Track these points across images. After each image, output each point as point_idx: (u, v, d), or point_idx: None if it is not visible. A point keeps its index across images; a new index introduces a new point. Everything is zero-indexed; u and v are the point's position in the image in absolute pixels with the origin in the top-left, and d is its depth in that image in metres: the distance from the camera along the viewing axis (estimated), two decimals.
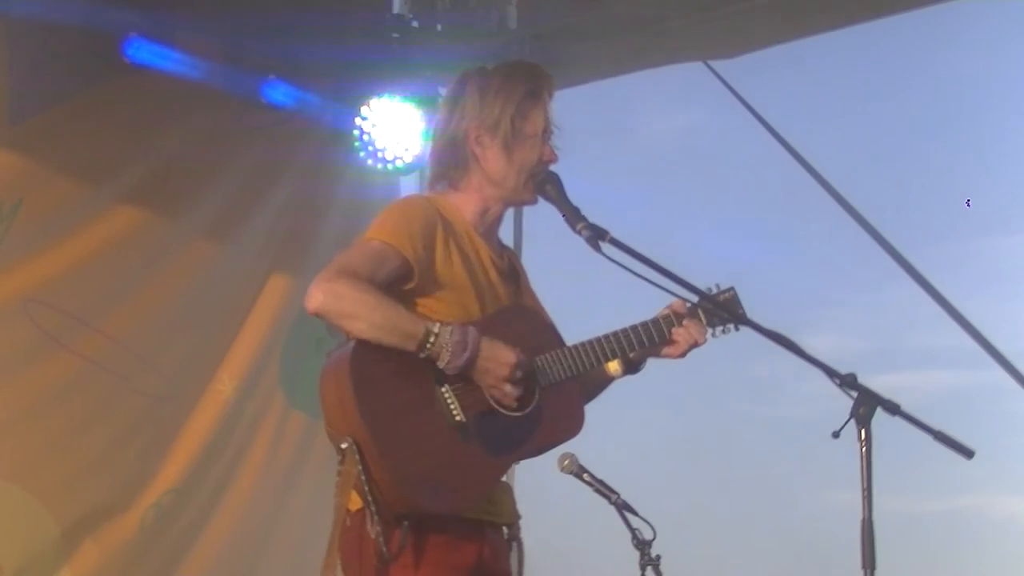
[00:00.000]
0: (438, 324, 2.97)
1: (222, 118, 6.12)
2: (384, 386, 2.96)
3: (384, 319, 2.95)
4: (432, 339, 2.95)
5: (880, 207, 5.98)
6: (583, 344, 3.21)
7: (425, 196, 3.30)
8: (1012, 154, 6.80)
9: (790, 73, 6.81)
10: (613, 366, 3.37)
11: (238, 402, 6.20)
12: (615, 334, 3.24)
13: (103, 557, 5.69)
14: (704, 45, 6.15)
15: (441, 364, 2.97)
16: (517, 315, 3.26)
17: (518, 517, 3.26)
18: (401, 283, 3.07)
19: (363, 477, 2.89)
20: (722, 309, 3.30)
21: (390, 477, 2.90)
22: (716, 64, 6.18)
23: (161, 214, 5.96)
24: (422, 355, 2.96)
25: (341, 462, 2.93)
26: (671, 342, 3.31)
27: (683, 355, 3.33)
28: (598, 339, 3.22)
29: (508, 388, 3.02)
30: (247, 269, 6.31)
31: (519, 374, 3.03)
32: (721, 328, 3.35)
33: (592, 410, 3.32)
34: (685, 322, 3.30)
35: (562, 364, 3.16)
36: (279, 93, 6.07)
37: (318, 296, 2.95)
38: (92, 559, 5.66)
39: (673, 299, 3.28)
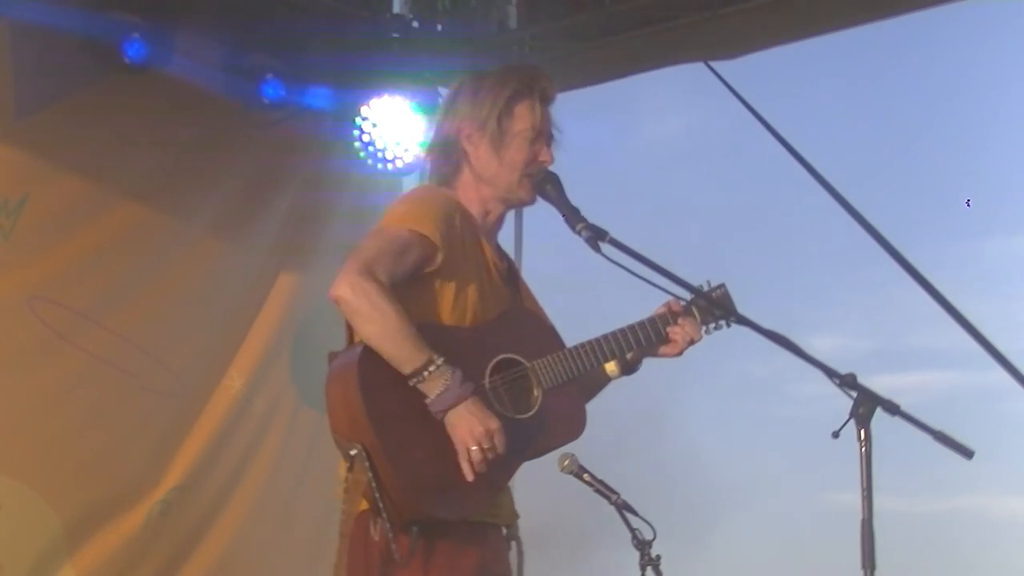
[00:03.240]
0: (441, 359, 2.94)
1: (227, 113, 6.13)
2: (391, 391, 2.95)
3: (395, 332, 2.93)
4: (432, 368, 2.93)
5: (880, 207, 5.97)
6: (582, 346, 3.22)
7: (441, 188, 3.30)
8: (1012, 154, 6.80)
9: (790, 73, 6.82)
10: (611, 367, 3.38)
11: (247, 398, 6.20)
12: (613, 335, 3.26)
13: (106, 553, 5.70)
14: (704, 45, 6.14)
15: (428, 399, 2.94)
16: (520, 318, 3.26)
17: (516, 517, 3.27)
18: (424, 265, 3.07)
19: (374, 484, 2.88)
20: (716, 307, 3.32)
21: (402, 483, 2.90)
22: (716, 64, 6.17)
23: (168, 210, 5.96)
24: (411, 382, 2.93)
25: (350, 469, 2.91)
26: (668, 341, 3.34)
27: (680, 353, 3.35)
28: (596, 340, 3.23)
29: (474, 450, 2.94)
30: (257, 265, 6.31)
31: (492, 445, 2.94)
32: (714, 325, 3.37)
33: (593, 409, 3.32)
34: (680, 320, 3.32)
35: (563, 366, 3.17)
36: (279, 93, 6.08)
37: (345, 288, 2.95)
38: (95, 555, 5.67)
39: (668, 298, 3.30)
